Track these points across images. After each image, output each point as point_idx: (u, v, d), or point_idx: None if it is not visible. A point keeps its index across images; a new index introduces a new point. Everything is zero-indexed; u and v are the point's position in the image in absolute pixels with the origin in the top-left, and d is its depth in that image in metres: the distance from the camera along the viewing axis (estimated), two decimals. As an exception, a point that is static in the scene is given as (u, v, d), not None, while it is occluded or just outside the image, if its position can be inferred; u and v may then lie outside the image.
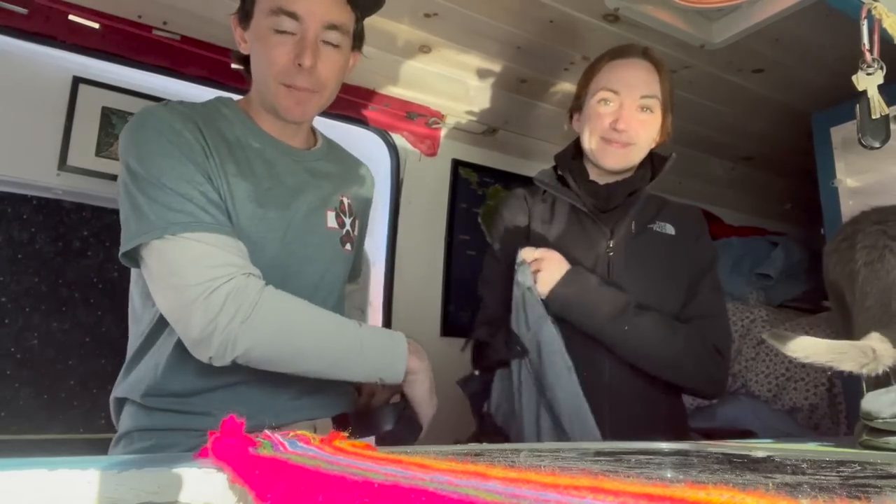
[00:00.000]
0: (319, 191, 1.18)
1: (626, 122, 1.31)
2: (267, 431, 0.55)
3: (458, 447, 0.79)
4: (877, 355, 0.86)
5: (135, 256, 1.01)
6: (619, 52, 1.39)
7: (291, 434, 0.55)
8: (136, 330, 1.11)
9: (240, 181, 1.06)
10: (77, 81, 1.77)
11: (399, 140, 2.18)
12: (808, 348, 0.90)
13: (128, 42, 1.68)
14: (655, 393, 1.31)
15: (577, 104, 1.45)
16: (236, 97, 1.20)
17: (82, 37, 1.62)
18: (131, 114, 1.83)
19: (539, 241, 1.38)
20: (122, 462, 0.44)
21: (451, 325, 2.29)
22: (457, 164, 2.38)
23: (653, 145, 1.41)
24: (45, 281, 1.76)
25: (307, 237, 1.14)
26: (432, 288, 2.26)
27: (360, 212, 1.30)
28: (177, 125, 1.03)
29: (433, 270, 2.27)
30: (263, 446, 0.49)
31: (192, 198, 0.98)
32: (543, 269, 1.27)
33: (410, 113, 2.14)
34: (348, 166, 1.31)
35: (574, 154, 1.46)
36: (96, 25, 1.62)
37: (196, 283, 0.94)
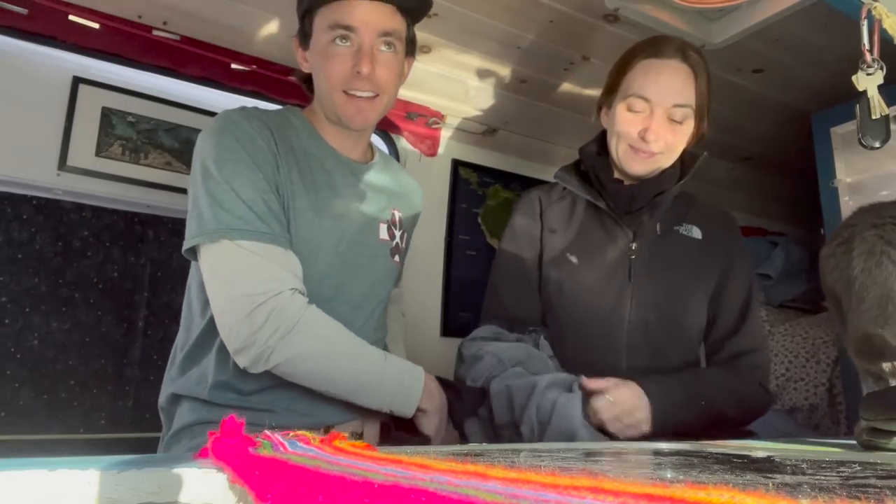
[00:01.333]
0: (374, 203, 1.24)
1: (655, 134, 1.24)
2: (267, 431, 0.55)
3: (458, 447, 0.79)
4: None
5: (196, 252, 1.07)
6: (655, 50, 1.29)
7: (291, 434, 0.55)
8: (192, 325, 1.15)
9: (301, 190, 1.13)
10: (77, 81, 1.77)
11: (399, 140, 2.18)
12: None
13: (128, 42, 1.68)
14: None
15: (606, 99, 1.36)
16: (295, 107, 1.27)
17: (82, 37, 1.62)
18: (131, 114, 1.83)
19: (554, 245, 1.35)
20: (122, 462, 0.44)
21: (451, 326, 2.29)
22: (457, 164, 2.38)
23: (682, 149, 1.33)
24: (45, 281, 1.76)
25: (360, 248, 1.20)
26: (432, 288, 2.26)
27: (409, 226, 1.36)
28: (254, 132, 1.09)
29: (433, 271, 2.27)
30: (263, 446, 0.49)
31: (255, 205, 1.04)
32: (624, 412, 1.12)
33: (410, 113, 2.14)
34: (401, 182, 1.37)
35: (599, 150, 1.39)
36: (96, 25, 1.62)
37: (243, 294, 1.00)
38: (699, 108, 1.29)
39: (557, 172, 1.42)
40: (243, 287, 1.00)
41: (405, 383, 1.12)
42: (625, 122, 1.28)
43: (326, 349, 1.06)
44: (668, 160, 1.30)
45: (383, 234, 1.25)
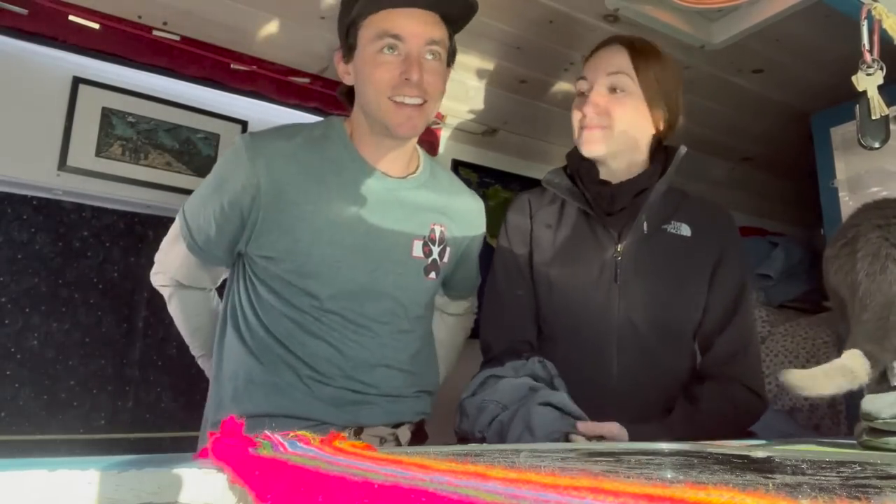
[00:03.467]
0: (408, 221, 1.23)
1: (591, 107, 1.28)
2: (267, 432, 0.55)
3: (458, 447, 0.79)
4: (854, 375, 0.86)
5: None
6: (599, 45, 1.37)
7: (291, 434, 0.55)
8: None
9: (327, 205, 1.16)
10: (77, 82, 1.77)
11: (399, 140, 2.18)
12: (804, 382, 0.89)
13: (128, 42, 1.68)
14: (666, 393, 1.27)
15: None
16: (337, 117, 1.31)
17: (82, 37, 1.62)
18: (131, 114, 1.83)
19: (544, 247, 1.36)
20: (122, 462, 0.44)
21: (451, 326, 2.29)
22: (457, 165, 2.38)
23: (647, 133, 1.33)
24: (45, 281, 1.76)
25: (388, 265, 1.20)
26: (432, 288, 2.26)
27: (460, 243, 1.33)
28: (245, 176, 1.17)
29: (433, 271, 2.27)
30: (263, 447, 0.49)
31: (203, 225, 1.19)
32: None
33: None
34: (451, 192, 1.35)
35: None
36: (96, 26, 1.62)
37: (159, 259, 1.31)
38: (647, 84, 1.29)
39: (546, 175, 1.42)
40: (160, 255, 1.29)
41: None
42: (575, 108, 1.34)
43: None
44: (620, 137, 1.29)
45: (417, 251, 1.24)
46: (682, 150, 1.34)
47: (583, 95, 1.32)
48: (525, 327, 1.35)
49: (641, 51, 1.32)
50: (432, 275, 1.27)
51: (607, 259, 1.30)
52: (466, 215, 1.36)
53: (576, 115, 1.33)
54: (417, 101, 1.15)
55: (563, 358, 1.28)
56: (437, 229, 1.27)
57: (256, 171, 1.13)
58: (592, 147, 1.30)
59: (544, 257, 1.36)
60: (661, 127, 1.34)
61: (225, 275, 1.30)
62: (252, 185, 1.13)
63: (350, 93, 1.24)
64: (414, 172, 1.28)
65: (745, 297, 1.34)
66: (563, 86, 2.05)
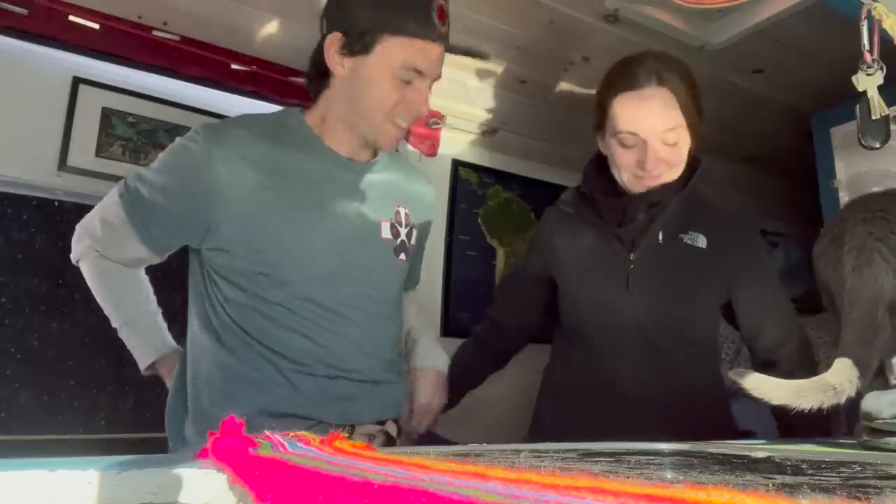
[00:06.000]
0: (375, 202, 1.23)
1: (653, 163, 1.23)
2: (267, 432, 0.55)
3: (458, 448, 0.79)
4: (837, 391, 0.86)
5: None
6: (628, 82, 1.25)
7: (291, 434, 0.55)
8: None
9: (293, 190, 1.13)
10: (77, 82, 1.77)
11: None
12: (762, 387, 0.90)
13: (128, 42, 1.68)
14: (681, 398, 1.26)
15: (598, 124, 1.35)
16: (293, 109, 1.27)
17: (82, 37, 1.63)
18: (131, 114, 1.83)
19: (561, 257, 1.41)
20: (123, 462, 0.44)
21: (451, 326, 2.29)
22: (457, 165, 2.38)
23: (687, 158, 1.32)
24: (45, 281, 1.76)
25: (361, 248, 1.19)
26: (432, 288, 2.26)
27: (419, 224, 1.34)
28: (210, 165, 1.12)
29: (433, 271, 2.27)
30: (263, 447, 0.49)
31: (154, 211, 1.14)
32: None
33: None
34: (408, 177, 1.35)
35: (599, 166, 1.38)
36: (96, 26, 1.62)
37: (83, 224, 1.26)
38: (690, 120, 1.26)
39: (562, 197, 1.45)
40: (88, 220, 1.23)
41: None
42: (621, 157, 1.28)
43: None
44: (673, 175, 1.29)
45: (386, 233, 1.24)
46: (703, 163, 1.33)
47: (625, 147, 1.26)
48: (506, 313, 1.54)
49: (679, 88, 1.25)
50: (402, 255, 1.27)
51: (620, 267, 1.30)
52: (424, 199, 1.37)
53: (627, 164, 1.27)
54: (408, 124, 1.19)
55: (578, 362, 1.35)
56: (402, 211, 1.28)
57: (212, 159, 1.09)
58: (650, 187, 1.28)
59: (561, 266, 1.42)
60: (697, 141, 1.31)
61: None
62: (210, 177, 1.09)
63: (320, 79, 1.19)
64: (375, 157, 1.28)
65: (777, 294, 1.35)
66: (563, 86, 2.05)
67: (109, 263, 1.23)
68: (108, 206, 1.19)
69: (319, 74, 1.19)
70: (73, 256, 1.27)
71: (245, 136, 1.13)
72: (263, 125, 1.17)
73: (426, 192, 1.40)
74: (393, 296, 1.27)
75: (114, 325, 1.26)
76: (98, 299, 1.26)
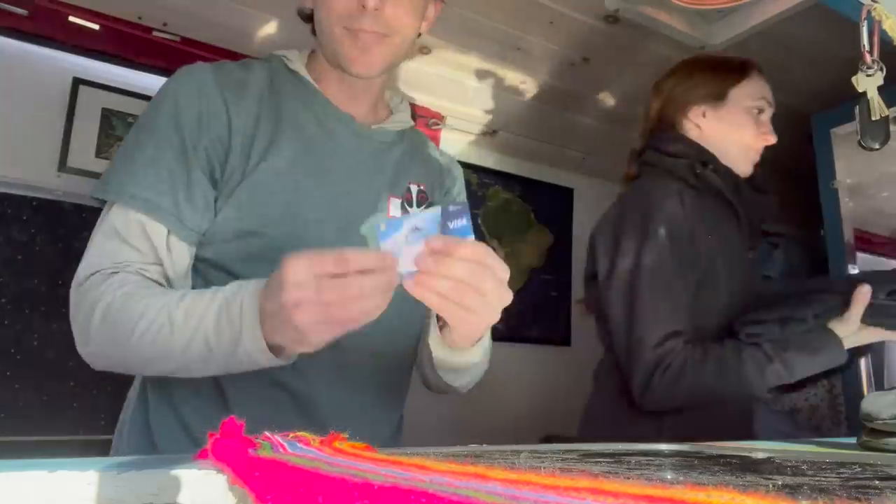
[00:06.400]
0: (382, 174, 1.05)
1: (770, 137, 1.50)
2: (267, 433, 0.55)
3: (458, 448, 0.79)
4: None
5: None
6: (753, 66, 1.46)
7: (291, 435, 0.55)
8: None
9: (290, 156, 0.94)
10: (77, 83, 1.77)
11: (399, 141, 2.19)
12: None
13: (128, 43, 1.68)
14: None
15: (704, 103, 1.44)
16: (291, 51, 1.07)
17: (82, 38, 1.63)
18: (131, 115, 1.83)
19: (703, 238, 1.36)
20: (122, 463, 0.44)
21: (451, 326, 2.28)
22: (457, 165, 2.38)
23: None
24: (45, 282, 1.76)
25: (360, 225, 1.00)
26: (432, 289, 2.25)
27: (435, 203, 1.12)
28: (199, 103, 0.91)
29: (433, 271, 2.26)
30: (263, 448, 0.49)
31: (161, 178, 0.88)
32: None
33: (410, 114, 2.14)
34: (427, 153, 1.15)
35: (694, 160, 1.41)
36: (96, 27, 1.62)
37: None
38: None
39: (701, 172, 1.43)
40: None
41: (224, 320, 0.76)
42: (754, 124, 1.48)
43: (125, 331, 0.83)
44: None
45: (395, 210, 1.05)
46: None
47: (758, 114, 1.47)
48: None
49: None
50: None
51: (744, 253, 1.43)
52: (443, 172, 1.17)
53: (759, 134, 1.48)
54: (370, 26, 0.92)
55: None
56: (414, 188, 1.09)
57: (215, 79, 0.91)
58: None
59: (705, 254, 1.34)
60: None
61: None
62: (216, 96, 0.91)
63: (308, 22, 1.03)
64: (386, 119, 1.10)
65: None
66: (563, 86, 2.05)
67: (121, 293, 0.87)
68: (105, 230, 0.91)
69: (308, 18, 1.04)
70: (81, 337, 0.91)
71: (246, 79, 0.97)
72: (263, 67, 1.01)
73: (450, 164, 1.20)
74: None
75: (209, 349, 0.78)
76: (152, 350, 0.81)
